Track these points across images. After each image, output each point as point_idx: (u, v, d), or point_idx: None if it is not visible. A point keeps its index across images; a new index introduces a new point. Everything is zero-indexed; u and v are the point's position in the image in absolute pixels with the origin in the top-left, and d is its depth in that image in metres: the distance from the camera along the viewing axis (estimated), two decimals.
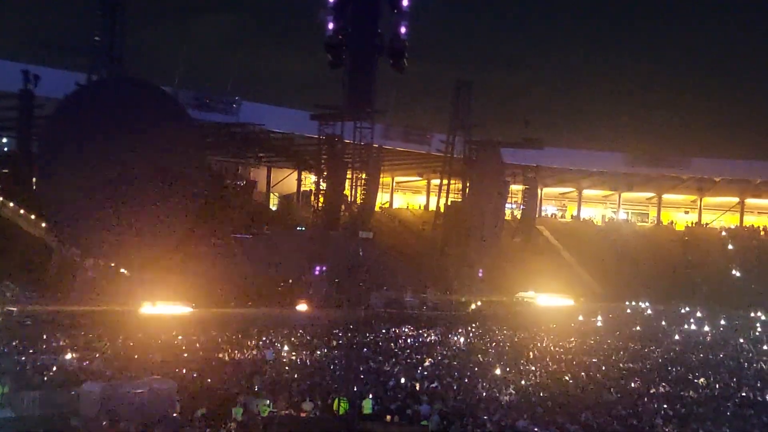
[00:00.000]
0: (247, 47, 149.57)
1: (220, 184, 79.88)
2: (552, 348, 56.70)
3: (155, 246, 64.35)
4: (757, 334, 74.14)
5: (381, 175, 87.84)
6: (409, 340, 55.25)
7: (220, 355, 43.30)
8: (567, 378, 43.00)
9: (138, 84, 66.17)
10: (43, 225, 67.40)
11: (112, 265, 64.87)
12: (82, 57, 69.43)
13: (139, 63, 72.65)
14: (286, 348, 47.06)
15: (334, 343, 49.90)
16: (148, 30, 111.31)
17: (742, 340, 68.66)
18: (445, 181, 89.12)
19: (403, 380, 37.64)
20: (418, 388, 35.87)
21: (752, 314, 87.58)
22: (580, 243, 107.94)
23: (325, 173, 74.38)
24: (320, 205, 74.87)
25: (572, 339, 61.99)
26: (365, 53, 28.43)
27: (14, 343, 42.33)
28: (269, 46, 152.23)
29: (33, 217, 68.61)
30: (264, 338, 50.72)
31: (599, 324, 76.38)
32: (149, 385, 28.43)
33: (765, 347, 64.91)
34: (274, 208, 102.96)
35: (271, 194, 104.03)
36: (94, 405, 26.99)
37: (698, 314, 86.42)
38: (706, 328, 76.48)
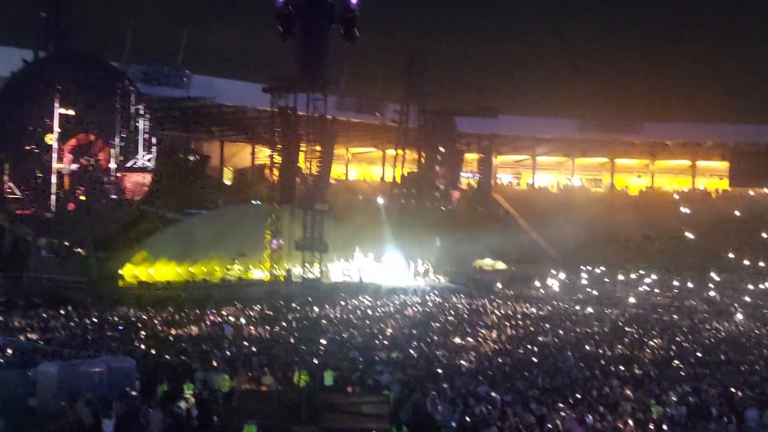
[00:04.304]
0: (196, 19, 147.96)
1: (172, 159, 79.34)
2: (510, 313, 57.23)
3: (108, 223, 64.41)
4: (711, 295, 75.22)
5: (336, 147, 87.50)
6: (368, 311, 55.36)
7: (179, 331, 43.14)
8: (525, 343, 43.39)
9: (86, 59, 65.37)
10: None
11: (66, 243, 64.41)
12: (28, 33, 68.41)
13: (87, 38, 71.69)
14: (244, 322, 47.00)
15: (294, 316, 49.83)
16: (95, 4, 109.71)
17: (695, 302, 69.68)
18: (400, 152, 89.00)
19: (363, 351, 37.75)
20: (378, 358, 35.97)
21: (706, 275, 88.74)
22: (536, 210, 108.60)
23: (279, 146, 73.91)
24: (275, 178, 74.48)
25: (529, 305, 62.55)
26: (316, 23, 28.21)
27: None
28: (219, 17, 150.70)
29: None
30: (224, 313, 50.65)
31: (556, 289, 77.16)
32: (107, 364, 28.23)
33: (718, 308, 65.98)
34: (228, 182, 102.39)
35: (225, 168, 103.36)
36: (51, 385, 26.77)
37: (653, 277, 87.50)
38: (661, 291, 77.52)
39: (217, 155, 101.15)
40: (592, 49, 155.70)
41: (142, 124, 65.69)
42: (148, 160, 66.26)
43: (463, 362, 36.73)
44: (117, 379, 27.63)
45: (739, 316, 60.02)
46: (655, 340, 46.53)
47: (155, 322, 46.11)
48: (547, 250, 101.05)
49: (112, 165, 64.68)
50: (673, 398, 29.04)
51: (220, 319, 48.10)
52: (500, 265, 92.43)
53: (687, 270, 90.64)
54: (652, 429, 24.71)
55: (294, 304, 52.60)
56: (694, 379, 33.90)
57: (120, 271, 65.30)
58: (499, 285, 77.75)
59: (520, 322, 52.39)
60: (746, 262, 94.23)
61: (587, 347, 43.00)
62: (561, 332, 48.57)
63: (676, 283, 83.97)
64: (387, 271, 76.71)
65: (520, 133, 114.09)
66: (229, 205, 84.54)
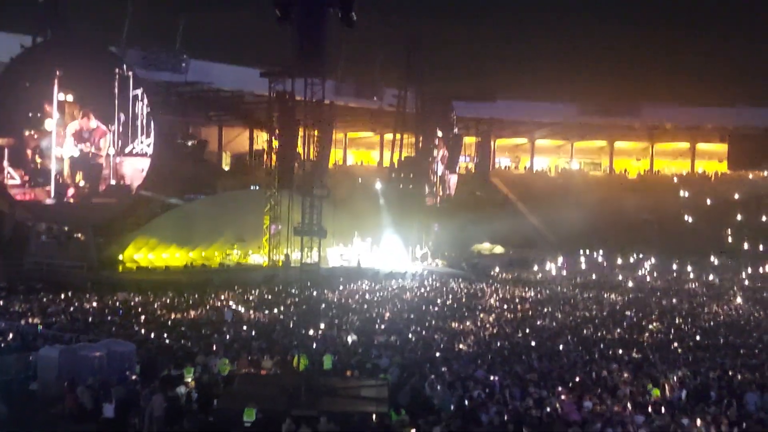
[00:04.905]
0: (194, 4, 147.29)
1: (170, 144, 79.33)
2: (508, 297, 57.34)
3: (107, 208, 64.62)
4: (710, 278, 75.31)
5: (334, 132, 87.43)
6: (366, 296, 55.44)
7: (179, 316, 43.23)
8: (524, 327, 43.47)
9: (84, 45, 65.31)
10: None
11: (65, 229, 64.47)
12: (26, 19, 68.20)
13: (85, 23, 71.46)
14: (242, 307, 47.08)
15: (293, 300, 49.90)
16: None
17: (695, 285, 69.76)
18: (398, 136, 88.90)
19: (361, 335, 37.83)
20: (376, 342, 36.04)
21: (705, 259, 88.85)
22: (534, 194, 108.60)
23: (277, 131, 73.89)
24: (273, 163, 74.45)
25: (528, 289, 62.65)
26: (314, 8, 28.16)
27: None
28: (217, 2, 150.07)
29: None
30: (222, 298, 50.78)
31: (554, 273, 77.26)
32: (108, 348, 28.28)
33: (717, 291, 66.09)
34: (226, 167, 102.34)
35: (223, 153, 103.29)
36: (52, 369, 26.84)
37: (652, 260, 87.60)
38: (660, 274, 77.61)
39: (215, 140, 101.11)
40: (590, 32, 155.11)
41: (140, 108, 65.71)
42: (147, 145, 66.28)
43: (461, 346, 36.78)
44: (117, 364, 27.70)
45: (739, 300, 60.12)
46: (654, 324, 46.61)
47: (155, 306, 46.23)
48: (546, 234, 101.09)
49: (111, 150, 64.71)
50: (673, 381, 29.10)
51: (219, 304, 48.20)
52: (498, 249, 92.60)
53: (686, 253, 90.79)
54: (650, 412, 24.77)
55: (292, 289, 52.81)
56: (693, 362, 33.93)
57: (119, 256, 65.49)
58: (497, 269, 77.86)
59: (518, 306, 52.50)
60: (745, 246, 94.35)
61: (586, 331, 43.05)
62: (559, 316, 48.67)
63: (675, 266, 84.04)
64: (385, 255, 76.83)
65: (519, 117, 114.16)
66: (227, 190, 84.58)
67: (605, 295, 60.43)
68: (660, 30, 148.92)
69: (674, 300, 59.10)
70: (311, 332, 29.82)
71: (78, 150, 62.69)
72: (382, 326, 41.38)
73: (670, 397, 27.40)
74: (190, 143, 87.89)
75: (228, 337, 36.01)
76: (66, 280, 54.34)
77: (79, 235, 64.40)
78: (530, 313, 49.78)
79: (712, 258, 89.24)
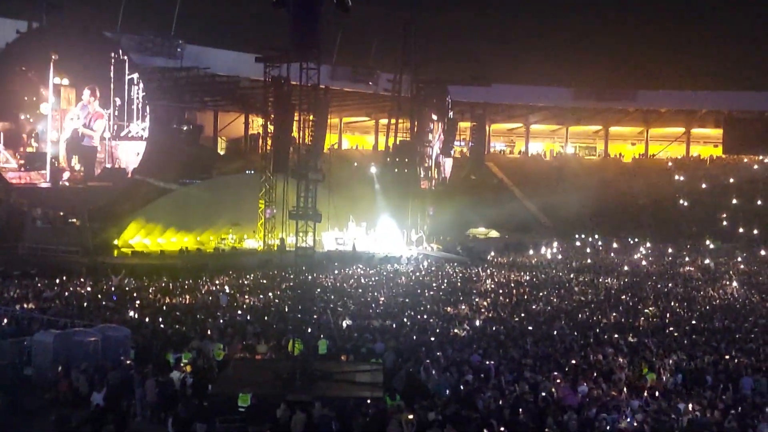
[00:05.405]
0: None
1: (166, 128, 79.10)
2: (503, 281, 57.31)
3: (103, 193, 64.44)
4: (706, 262, 75.34)
5: (329, 116, 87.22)
6: (362, 280, 55.41)
7: (174, 301, 43.20)
8: (519, 311, 43.46)
9: (80, 30, 65.04)
10: None
11: (61, 214, 64.39)
12: (21, 4, 68.03)
13: (80, 8, 71.13)
14: (238, 292, 47.03)
15: (288, 284, 49.86)
16: None
17: (690, 269, 69.80)
18: (393, 120, 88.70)
19: (356, 319, 37.82)
20: (371, 326, 36.02)
21: (700, 243, 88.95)
22: (529, 178, 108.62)
23: (273, 116, 73.70)
24: (268, 148, 74.33)
25: (523, 273, 62.63)
26: None
27: None
28: None
29: None
30: (217, 282, 50.74)
31: (549, 257, 77.26)
32: (102, 333, 28.27)
33: (713, 275, 66.12)
34: (222, 152, 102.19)
35: (219, 138, 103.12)
36: (47, 354, 26.83)
37: (647, 245, 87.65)
38: (655, 258, 77.62)
39: (211, 125, 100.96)
40: (585, 17, 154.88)
41: (135, 93, 65.52)
42: (143, 129, 66.11)
43: (456, 330, 36.76)
44: (112, 348, 27.69)
45: (734, 284, 60.14)
46: (649, 308, 46.61)
47: (150, 291, 46.18)
48: (541, 218, 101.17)
49: (107, 134, 64.56)
50: (668, 366, 29.11)
51: (214, 289, 48.17)
52: (494, 234, 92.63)
53: (681, 237, 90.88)
54: (646, 397, 24.79)
55: (287, 274, 52.76)
56: (689, 346, 33.92)
57: (115, 241, 65.42)
58: (492, 253, 77.86)
59: (513, 291, 52.47)
60: (740, 230, 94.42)
61: (581, 315, 43.05)
62: (555, 300, 48.67)
63: (670, 250, 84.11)
64: (380, 239, 76.81)
65: (514, 101, 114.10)
66: (223, 174, 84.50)
67: (600, 280, 60.45)
68: (655, 14, 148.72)
69: (670, 284, 59.09)
70: (306, 317, 29.75)
71: (79, 129, 62.62)
72: (377, 311, 41.36)
73: (666, 381, 27.42)
74: (185, 128, 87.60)
75: (223, 321, 36.01)
76: (61, 265, 54.31)
77: (75, 220, 64.32)
78: (525, 297, 49.75)
79: (708, 242, 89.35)
